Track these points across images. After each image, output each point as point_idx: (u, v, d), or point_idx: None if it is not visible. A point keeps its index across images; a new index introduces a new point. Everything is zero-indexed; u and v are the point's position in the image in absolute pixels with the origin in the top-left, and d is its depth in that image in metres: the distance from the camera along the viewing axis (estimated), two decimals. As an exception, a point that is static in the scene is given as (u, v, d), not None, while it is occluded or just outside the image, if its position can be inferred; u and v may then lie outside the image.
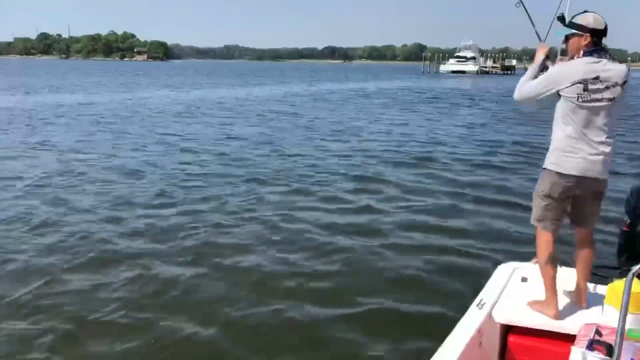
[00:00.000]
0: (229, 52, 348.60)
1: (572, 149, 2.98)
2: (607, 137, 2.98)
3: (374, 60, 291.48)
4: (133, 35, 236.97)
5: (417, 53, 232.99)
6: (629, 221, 3.08)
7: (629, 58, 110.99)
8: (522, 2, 3.83)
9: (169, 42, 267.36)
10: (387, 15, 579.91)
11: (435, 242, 6.28)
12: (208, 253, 5.76)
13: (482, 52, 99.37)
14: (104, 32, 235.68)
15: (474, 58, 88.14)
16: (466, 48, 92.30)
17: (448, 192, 8.71)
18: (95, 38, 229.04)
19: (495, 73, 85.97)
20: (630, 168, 10.49)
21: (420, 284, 5.13)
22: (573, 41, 3.06)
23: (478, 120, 19.96)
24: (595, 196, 3.11)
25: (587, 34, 2.98)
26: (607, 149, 2.98)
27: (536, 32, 3.58)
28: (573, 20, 3.06)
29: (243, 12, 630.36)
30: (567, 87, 2.93)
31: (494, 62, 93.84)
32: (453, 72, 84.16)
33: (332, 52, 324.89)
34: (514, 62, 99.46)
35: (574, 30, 3.04)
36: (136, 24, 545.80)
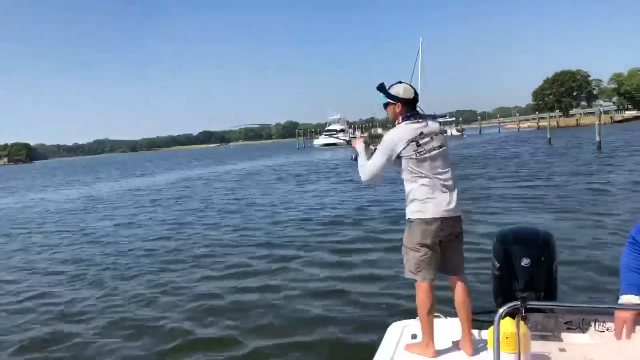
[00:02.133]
0: (99, 147, 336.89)
1: (428, 195, 3.22)
2: (450, 178, 3.30)
3: (250, 140, 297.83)
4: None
5: (290, 130, 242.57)
6: (498, 265, 3.25)
7: (479, 117, 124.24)
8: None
9: (33, 143, 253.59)
10: (259, 96, 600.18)
11: (325, 310, 6.34)
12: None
13: (350, 124, 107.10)
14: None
15: (343, 130, 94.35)
16: (335, 122, 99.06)
17: (337, 251, 9.24)
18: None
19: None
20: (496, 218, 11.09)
21: (313, 353, 5.19)
22: (389, 108, 3.36)
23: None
24: (457, 237, 3.33)
25: (399, 103, 3.30)
26: (454, 189, 3.29)
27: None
28: (388, 90, 3.34)
29: (111, 105, 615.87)
30: (404, 148, 3.20)
31: (362, 132, 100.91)
32: (325, 145, 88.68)
33: (208, 137, 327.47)
34: (379, 130, 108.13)
35: (389, 100, 3.34)
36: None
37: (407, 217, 3.33)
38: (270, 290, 7.27)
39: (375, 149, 3.39)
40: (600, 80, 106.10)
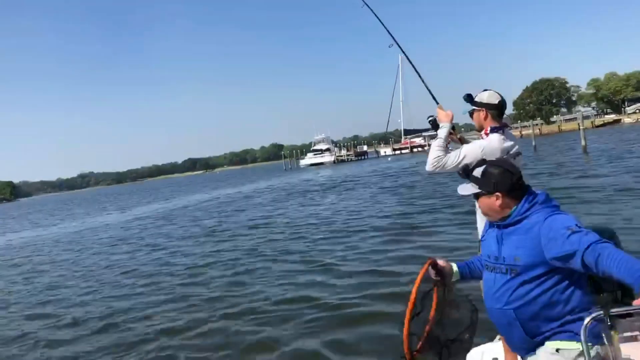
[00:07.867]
0: (84, 181, 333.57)
1: None
2: None
3: (235, 165, 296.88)
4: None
5: (275, 152, 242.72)
6: None
7: (462, 128, 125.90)
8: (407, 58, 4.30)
9: (16, 180, 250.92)
10: (240, 121, 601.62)
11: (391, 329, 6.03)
12: None
13: (335, 143, 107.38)
14: None
15: (329, 149, 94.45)
16: (320, 141, 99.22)
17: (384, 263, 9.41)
18: None
19: (351, 160, 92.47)
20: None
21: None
22: (475, 115, 3.34)
23: (377, 198, 21.86)
24: None
25: (483, 108, 3.28)
26: None
27: (432, 94, 3.81)
28: (475, 98, 3.33)
29: (93, 139, 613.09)
30: None
31: (348, 150, 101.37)
32: (312, 164, 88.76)
33: (193, 164, 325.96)
34: (365, 147, 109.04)
35: (474, 107, 3.32)
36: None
37: (481, 237, 3.30)
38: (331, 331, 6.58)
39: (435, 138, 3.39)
40: (579, 87, 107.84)
